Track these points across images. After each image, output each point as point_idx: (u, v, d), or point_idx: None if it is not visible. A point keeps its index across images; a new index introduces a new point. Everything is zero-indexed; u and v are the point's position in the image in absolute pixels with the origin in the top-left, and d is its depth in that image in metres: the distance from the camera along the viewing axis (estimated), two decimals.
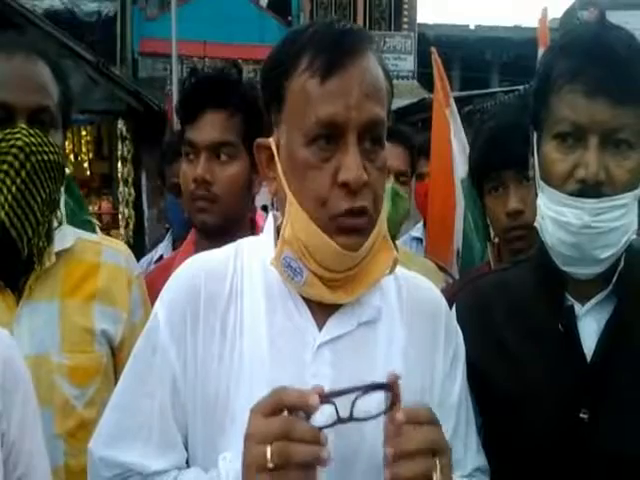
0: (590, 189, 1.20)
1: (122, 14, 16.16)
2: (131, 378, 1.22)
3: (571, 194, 1.21)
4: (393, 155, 2.37)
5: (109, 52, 14.44)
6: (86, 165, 11.40)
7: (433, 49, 3.30)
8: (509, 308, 1.38)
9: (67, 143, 10.67)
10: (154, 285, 1.68)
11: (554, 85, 1.25)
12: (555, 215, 1.24)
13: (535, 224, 1.31)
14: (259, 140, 1.19)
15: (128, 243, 9.09)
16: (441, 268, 2.58)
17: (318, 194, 1.09)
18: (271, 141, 1.16)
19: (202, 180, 1.78)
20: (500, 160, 1.84)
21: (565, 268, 1.27)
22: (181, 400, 1.16)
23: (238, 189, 1.82)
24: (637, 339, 1.26)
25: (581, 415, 1.24)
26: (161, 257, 3.02)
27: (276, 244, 1.16)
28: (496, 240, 2.04)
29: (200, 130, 1.80)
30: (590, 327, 1.28)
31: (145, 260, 3.08)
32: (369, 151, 1.10)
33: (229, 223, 1.83)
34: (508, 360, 1.33)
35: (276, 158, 1.14)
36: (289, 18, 18.47)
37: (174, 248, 3.04)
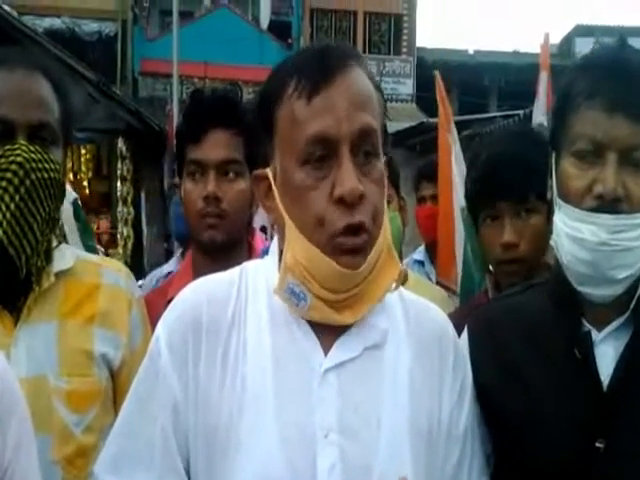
0: (607, 205, 1.17)
1: (123, 34, 16.30)
2: (134, 403, 1.20)
3: (588, 210, 1.19)
4: None
5: (109, 71, 14.56)
6: (85, 184, 11.43)
7: (436, 72, 3.30)
8: (522, 333, 1.34)
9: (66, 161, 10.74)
10: (150, 309, 1.66)
11: (573, 103, 1.23)
12: (571, 232, 1.21)
13: (551, 242, 1.28)
14: (256, 172, 1.19)
15: (126, 262, 9.08)
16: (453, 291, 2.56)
17: (316, 214, 1.08)
18: (268, 171, 1.15)
19: (214, 196, 1.79)
20: (496, 190, 1.78)
21: (580, 288, 1.24)
22: (182, 426, 1.14)
23: (245, 206, 1.85)
24: None
25: (597, 445, 1.21)
26: (170, 273, 2.99)
27: (279, 268, 1.14)
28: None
29: (207, 149, 1.82)
30: (607, 354, 1.25)
31: (153, 276, 3.02)
32: (364, 164, 1.09)
33: (233, 241, 1.86)
34: (521, 387, 1.30)
35: (273, 187, 1.14)
36: (289, 40, 18.66)
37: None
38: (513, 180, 1.73)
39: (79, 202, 2.26)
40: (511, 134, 1.95)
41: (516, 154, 1.77)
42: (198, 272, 1.78)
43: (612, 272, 1.19)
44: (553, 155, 1.30)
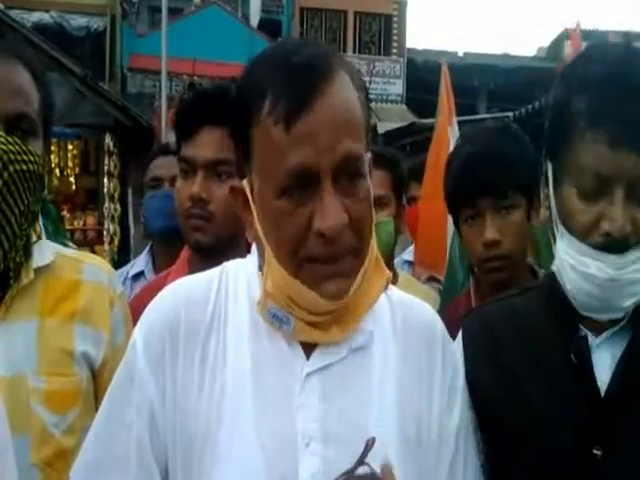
0: (616, 243, 1.14)
1: (112, 30, 16.19)
2: (109, 407, 1.16)
3: (595, 247, 1.16)
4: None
5: (98, 67, 14.46)
6: (72, 180, 11.31)
7: (444, 61, 3.29)
8: (519, 338, 1.31)
9: (53, 157, 10.65)
10: (144, 306, 1.60)
11: (575, 124, 1.17)
12: (577, 265, 1.18)
13: (552, 267, 1.26)
14: (233, 185, 1.14)
15: (112, 259, 9.00)
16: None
17: (291, 242, 1.02)
18: (245, 185, 1.10)
19: (198, 198, 1.73)
20: (476, 188, 1.76)
21: (585, 314, 1.22)
22: (159, 433, 1.10)
23: (235, 208, 1.76)
24: None
25: (594, 452, 1.18)
26: (141, 273, 2.90)
27: (261, 272, 1.10)
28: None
29: (197, 147, 1.75)
30: (604, 359, 1.22)
31: (120, 274, 2.91)
32: (348, 187, 1.02)
33: (223, 243, 1.78)
34: (517, 392, 1.27)
35: (251, 204, 1.08)
36: (279, 39, 18.62)
37: (154, 261, 2.94)
38: (492, 177, 1.71)
39: (47, 197, 2.15)
40: (488, 131, 1.91)
41: (494, 151, 1.75)
42: (193, 268, 1.73)
43: (620, 302, 1.18)
44: (549, 165, 1.26)
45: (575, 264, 1.18)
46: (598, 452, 1.18)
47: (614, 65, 1.16)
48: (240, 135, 1.07)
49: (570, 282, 1.20)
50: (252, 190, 1.08)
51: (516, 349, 1.30)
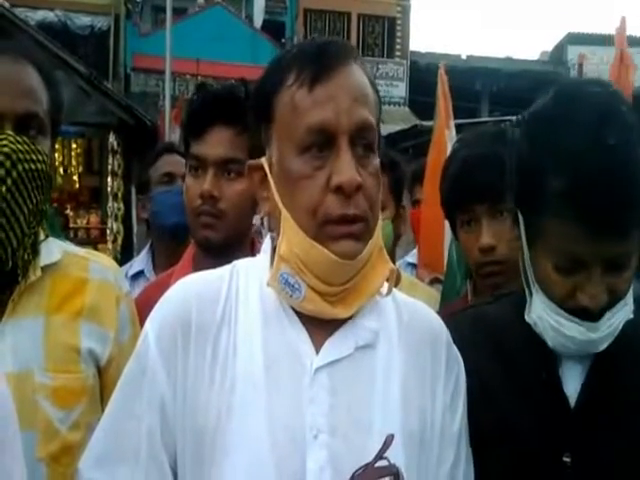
0: (594, 313, 1.17)
1: (115, 29, 16.19)
2: (120, 400, 1.18)
3: (572, 312, 1.19)
4: None
5: (101, 66, 14.46)
6: (75, 178, 11.32)
7: (441, 64, 3.30)
8: (490, 346, 1.34)
9: (57, 155, 10.66)
10: (150, 303, 1.62)
11: (548, 201, 1.17)
12: (557, 325, 1.21)
13: (527, 319, 1.28)
14: (251, 162, 1.18)
15: (116, 258, 9.00)
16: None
17: (310, 202, 1.07)
18: (263, 161, 1.15)
19: (209, 195, 1.75)
20: (472, 194, 1.76)
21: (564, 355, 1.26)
22: (170, 426, 1.12)
23: (244, 206, 1.79)
24: (621, 382, 1.24)
25: (564, 459, 1.21)
26: (141, 273, 2.92)
27: (272, 265, 1.12)
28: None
29: (208, 145, 1.77)
30: (574, 370, 1.26)
31: None
32: (361, 157, 1.09)
33: (231, 241, 1.80)
34: (489, 401, 1.28)
35: (269, 176, 1.13)
36: (282, 40, 18.64)
37: (153, 261, 2.94)
38: (488, 183, 1.70)
39: None
40: (485, 136, 1.90)
41: (490, 156, 1.73)
42: (198, 267, 1.75)
43: (597, 349, 1.22)
44: (521, 217, 1.27)
45: (554, 324, 1.21)
46: (567, 459, 1.21)
47: (590, 141, 1.12)
48: (262, 106, 1.13)
49: (550, 338, 1.24)
50: (270, 166, 1.14)
51: (488, 358, 1.32)
